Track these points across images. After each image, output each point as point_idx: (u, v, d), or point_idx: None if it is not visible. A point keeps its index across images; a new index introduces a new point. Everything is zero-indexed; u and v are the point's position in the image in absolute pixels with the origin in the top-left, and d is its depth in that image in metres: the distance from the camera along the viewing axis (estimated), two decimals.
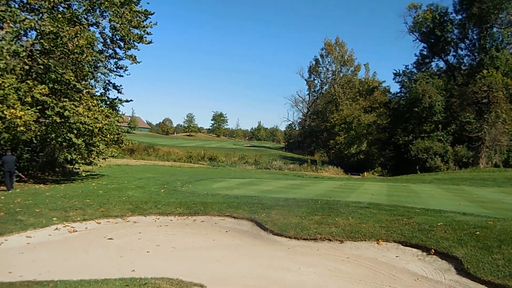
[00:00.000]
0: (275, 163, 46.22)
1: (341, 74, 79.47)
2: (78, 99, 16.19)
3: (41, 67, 15.59)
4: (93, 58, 17.35)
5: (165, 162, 40.50)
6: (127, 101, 20.89)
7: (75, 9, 17.04)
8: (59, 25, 15.05)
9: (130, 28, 18.65)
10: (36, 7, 15.95)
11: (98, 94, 19.30)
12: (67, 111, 15.08)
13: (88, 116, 15.61)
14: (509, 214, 9.89)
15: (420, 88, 44.96)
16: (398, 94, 56.09)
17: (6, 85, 13.41)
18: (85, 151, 16.90)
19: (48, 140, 16.86)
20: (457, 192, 16.87)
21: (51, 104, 14.93)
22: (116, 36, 18.99)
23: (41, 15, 15.64)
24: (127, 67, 20.23)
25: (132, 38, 18.95)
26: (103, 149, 17.46)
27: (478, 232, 7.44)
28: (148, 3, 25.71)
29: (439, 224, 8.23)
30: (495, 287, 5.52)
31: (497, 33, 46.68)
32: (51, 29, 14.91)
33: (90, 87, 18.44)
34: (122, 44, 19.26)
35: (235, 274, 6.24)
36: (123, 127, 20.58)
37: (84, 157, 17.35)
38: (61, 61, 16.14)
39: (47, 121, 15.48)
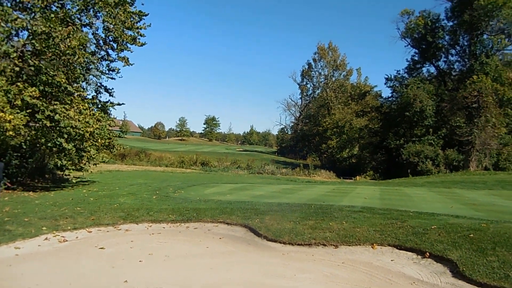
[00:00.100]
0: (267, 167, 46.18)
1: (334, 79, 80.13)
2: (69, 102, 15.88)
3: (32, 68, 15.26)
4: (85, 59, 17.06)
5: (157, 168, 40.17)
6: (119, 104, 20.57)
7: (69, 9, 16.77)
8: (52, 25, 14.75)
9: (124, 29, 18.42)
10: (28, 6, 15.62)
11: (89, 97, 19.00)
12: (57, 115, 14.76)
13: (79, 120, 15.30)
14: (501, 216, 9.98)
15: (411, 93, 45.49)
16: (389, 99, 56.68)
17: None
18: (76, 157, 16.60)
19: (38, 145, 16.53)
20: (448, 195, 16.99)
21: (42, 108, 14.61)
22: (109, 37, 18.69)
23: (33, 14, 15.32)
24: (119, 69, 19.95)
25: (125, 39, 18.72)
26: (94, 155, 17.15)
27: (472, 235, 7.46)
28: (142, 4, 25.43)
29: (433, 227, 8.24)
30: None
31: (487, 39, 47.66)
32: (44, 29, 14.59)
33: (82, 89, 18.16)
34: (115, 45, 18.99)
35: (229, 281, 6.15)
36: (115, 132, 20.28)
37: (75, 163, 17.03)
38: (53, 62, 15.83)
39: (37, 125, 15.18)
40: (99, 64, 19.33)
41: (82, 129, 15.31)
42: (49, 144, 15.62)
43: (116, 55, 19.31)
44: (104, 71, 19.67)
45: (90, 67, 18.79)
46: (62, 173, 19.28)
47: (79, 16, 17.46)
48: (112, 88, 20.24)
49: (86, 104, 16.99)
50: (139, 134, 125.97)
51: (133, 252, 7.63)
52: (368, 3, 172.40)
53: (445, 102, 45.14)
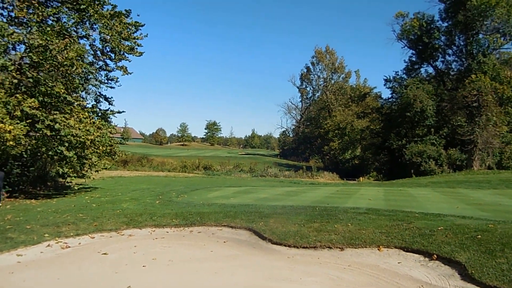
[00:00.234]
0: (270, 170, 46.09)
1: (333, 81, 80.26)
2: (69, 112, 15.95)
3: (31, 80, 15.36)
4: (84, 70, 17.14)
5: (160, 173, 40.13)
6: (119, 112, 20.63)
7: (65, 22, 16.86)
8: (48, 38, 14.87)
9: (121, 40, 18.51)
10: (24, 20, 15.76)
11: (89, 106, 19.06)
12: (57, 124, 14.83)
13: (79, 128, 15.36)
14: (508, 216, 9.85)
15: (411, 93, 45.40)
16: (389, 100, 56.59)
17: None
18: (77, 164, 16.59)
19: (39, 154, 16.55)
20: (453, 195, 16.86)
21: (41, 117, 14.67)
22: (107, 47, 18.82)
23: (29, 28, 15.44)
24: (118, 78, 20.01)
25: (123, 49, 18.81)
26: (95, 162, 17.16)
27: (479, 236, 7.35)
28: (138, 15, 25.67)
29: (439, 228, 8.13)
30: None
31: (483, 39, 47.66)
32: (40, 42, 14.71)
33: (81, 99, 18.21)
34: (112, 55, 19.09)
35: (234, 286, 6.06)
36: (116, 139, 20.31)
37: (77, 170, 17.02)
38: (51, 74, 15.91)
39: (38, 134, 15.21)
40: (97, 74, 19.40)
41: (82, 137, 15.34)
42: (50, 153, 15.63)
43: (114, 65, 19.39)
44: (103, 81, 19.74)
45: (89, 77, 18.83)
46: (64, 180, 19.25)
47: (75, 29, 17.56)
48: (111, 97, 20.33)
49: (86, 113, 17.03)
50: (140, 141, 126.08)
51: (136, 257, 7.55)
52: (364, 5, 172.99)
53: (445, 101, 45.03)
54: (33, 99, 14.72)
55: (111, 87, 20.07)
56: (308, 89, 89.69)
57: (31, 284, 6.04)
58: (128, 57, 19.28)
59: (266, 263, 7.30)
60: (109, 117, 20.13)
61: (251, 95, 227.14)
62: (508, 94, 42.61)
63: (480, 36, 47.78)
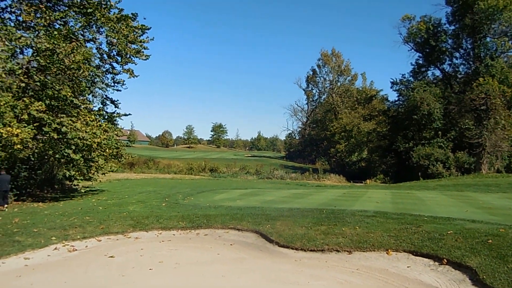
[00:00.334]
0: (276, 172, 46.02)
1: (339, 84, 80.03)
2: (76, 115, 16.04)
3: (38, 84, 15.49)
4: (90, 73, 17.27)
5: (166, 175, 40.20)
6: (125, 115, 20.77)
7: (71, 26, 17.00)
8: (55, 42, 15.01)
9: (127, 43, 18.62)
10: (32, 24, 15.92)
11: (96, 109, 19.17)
12: (64, 127, 14.92)
13: (86, 131, 15.44)
14: None
15: (417, 96, 45.08)
16: (396, 102, 56.22)
17: (2, 103, 13.28)
18: (84, 167, 16.66)
19: (46, 157, 16.65)
20: (462, 198, 16.64)
21: (48, 121, 14.77)
22: (113, 51, 18.96)
23: (37, 32, 15.59)
24: (124, 81, 20.14)
25: (129, 52, 18.92)
26: (102, 164, 17.22)
27: (490, 241, 7.21)
28: (144, 18, 25.82)
29: (449, 232, 8.00)
30: None
31: (491, 42, 47.24)
32: (47, 46, 14.85)
33: (88, 102, 18.33)
34: (119, 58, 19.21)
35: None
36: (123, 141, 20.40)
37: (83, 173, 17.10)
38: (58, 77, 16.05)
39: (45, 137, 15.31)
40: (104, 77, 19.54)
41: (89, 140, 15.42)
42: (57, 156, 15.73)
43: (121, 68, 19.51)
44: (109, 84, 19.89)
45: (96, 80, 18.97)
46: (71, 183, 19.35)
47: (82, 32, 17.72)
48: (117, 100, 20.45)
49: (93, 116, 17.13)
50: (147, 143, 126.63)
51: (143, 260, 7.53)
52: (371, 8, 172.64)
53: (453, 104, 44.66)
54: (40, 102, 14.83)
55: (118, 90, 20.21)
56: (314, 91, 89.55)
57: (38, 287, 6.03)
58: (134, 60, 19.41)
59: (273, 266, 7.23)
60: (115, 120, 20.25)
61: (257, 98, 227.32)
62: None
63: (488, 39, 47.40)
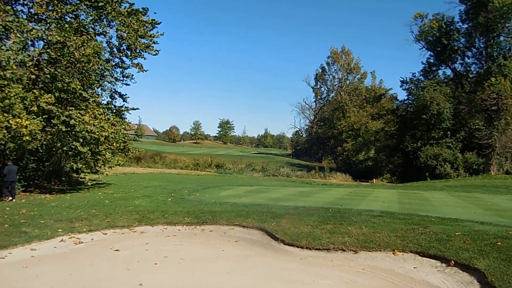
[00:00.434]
0: (282, 170, 45.91)
1: (348, 82, 79.63)
2: (84, 108, 16.14)
3: (48, 76, 15.59)
4: (100, 67, 17.34)
5: (172, 170, 40.37)
6: (133, 109, 20.88)
7: (82, 19, 17.07)
8: (66, 35, 15.08)
9: (137, 37, 18.66)
10: (43, 17, 16.01)
11: (104, 102, 19.26)
12: (73, 120, 15.02)
13: (94, 125, 15.52)
14: None
15: (427, 95, 44.54)
16: (405, 101, 55.60)
17: (12, 95, 13.37)
18: (91, 160, 16.78)
19: (54, 149, 16.78)
20: (470, 199, 16.45)
21: (57, 113, 14.87)
22: (123, 45, 19.02)
23: (48, 25, 15.67)
24: (133, 75, 20.20)
25: (139, 47, 18.96)
26: (109, 158, 17.33)
27: (499, 243, 7.09)
28: (155, 13, 25.78)
29: (457, 233, 7.89)
30: None
31: (504, 41, 46.41)
32: (58, 38, 14.93)
33: (97, 95, 18.43)
34: (128, 53, 19.27)
35: (245, 286, 5.98)
36: (130, 135, 20.50)
37: (90, 166, 17.22)
38: (68, 70, 16.15)
39: (53, 130, 15.42)
40: (113, 71, 19.61)
41: (97, 133, 15.50)
42: (64, 148, 15.84)
43: (130, 62, 19.58)
44: (118, 78, 19.95)
45: (105, 73, 19.05)
46: (78, 176, 19.51)
47: (93, 26, 17.78)
48: (126, 94, 20.54)
49: (101, 109, 17.22)
50: (154, 138, 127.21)
51: (148, 255, 7.54)
52: (380, 6, 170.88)
53: (463, 104, 44.10)
54: (49, 94, 14.93)
55: (127, 84, 20.28)
56: (322, 89, 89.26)
57: (44, 279, 6.06)
58: (143, 55, 19.45)
59: (278, 264, 7.19)
60: (123, 114, 20.34)
61: (264, 95, 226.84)
62: None
63: (501, 38, 46.59)
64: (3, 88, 13.44)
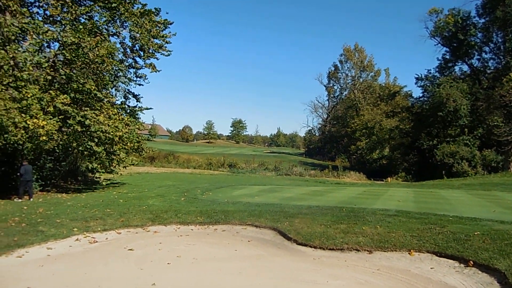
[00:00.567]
0: (295, 169, 45.68)
1: (361, 80, 78.74)
2: (99, 108, 16.35)
3: (64, 77, 15.84)
4: (114, 67, 17.54)
5: (185, 169, 40.63)
6: (147, 108, 21.06)
7: (96, 20, 17.28)
8: (81, 36, 15.29)
9: (150, 38, 18.81)
10: (58, 19, 16.26)
11: (118, 102, 19.47)
12: (88, 120, 15.22)
13: (108, 125, 15.71)
14: None
15: (444, 92, 43.66)
16: (420, 99, 54.69)
17: (29, 95, 13.61)
18: (106, 160, 16.98)
19: (70, 149, 17.04)
20: (489, 198, 16.02)
21: (73, 113, 15.10)
22: (136, 45, 19.19)
23: (63, 26, 15.92)
24: (146, 76, 20.38)
25: (152, 47, 19.11)
26: (123, 158, 17.51)
27: None
28: (167, 13, 25.84)
29: (476, 233, 7.68)
30: None
31: None
32: (73, 40, 15.14)
33: (111, 96, 18.64)
34: (142, 53, 19.44)
35: (258, 287, 5.93)
36: (144, 135, 20.70)
37: (105, 166, 17.43)
38: (83, 71, 16.37)
39: (69, 130, 15.66)
40: (127, 71, 19.80)
41: (111, 133, 15.68)
42: (80, 148, 16.06)
43: (143, 62, 19.75)
44: (132, 78, 20.15)
45: (119, 74, 19.25)
46: (93, 175, 19.78)
47: (106, 27, 17.99)
48: (139, 94, 20.75)
49: (115, 110, 17.41)
50: (167, 137, 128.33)
51: (161, 254, 7.56)
52: (392, 3, 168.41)
53: (481, 101, 43.09)
54: (65, 95, 15.15)
55: (140, 84, 20.48)
56: (335, 87, 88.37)
57: (59, 277, 6.14)
58: (156, 55, 19.58)
59: (291, 264, 7.12)
60: (137, 114, 20.53)
61: (277, 94, 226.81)
62: None
63: None
64: (20, 89, 13.71)
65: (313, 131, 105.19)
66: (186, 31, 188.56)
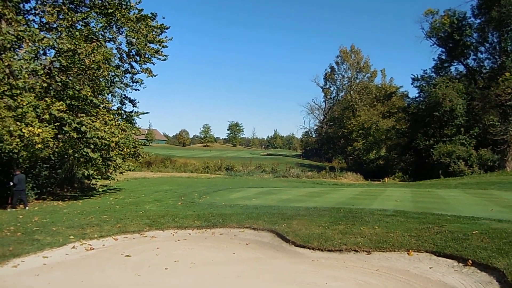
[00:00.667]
0: (292, 171, 45.73)
1: (357, 81, 79.08)
2: (95, 114, 16.28)
3: (59, 84, 15.77)
4: (110, 73, 17.50)
5: (182, 174, 40.54)
6: (143, 113, 20.99)
7: (93, 26, 17.25)
8: (77, 42, 15.24)
9: (146, 43, 18.78)
10: (54, 26, 16.22)
11: (114, 108, 19.43)
12: (84, 126, 15.15)
13: (104, 131, 15.64)
14: None
15: (440, 92, 43.90)
16: (417, 99, 54.94)
17: (24, 103, 13.54)
18: (102, 166, 16.90)
19: (66, 156, 16.96)
20: (486, 197, 16.05)
21: (69, 120, 15.02)
22: (133, 51, 19.16)
23: (59, 33, 15.86)
24: (142, 80, 20.34)
25: (148, 52, 19.08)
26: (120, 163, 17.44)
27: None
28: (163, 18, 25.95)
29: (474, 232, 7.67)
30: None
31: None
32: (69, 46, 15.09)
33: (107, 101, 18.58)
34: (138, 58, 19.40)
35: None
36: (140, 140, 20.62)
37: (101, 172, 17.35)
38: (79, 77, 16.32)
39: (65, 137, 15.57)
40: (123, 77, 19.76)
41: (107, 139, 15.61)
42: (76, 155, 15.99)
43: (140, 67, 19.68)
44: (128, 83, 20.11)
45: (115, 80, 19.20)
46: (89, 182, 19.67)
47: (102, 33, 17.95)
48: (135, 99, 20.69)
49: (111, 115, 17.36)
50: (164, 142, 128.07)
51: (158, 260, 7.50)
52: (389, 5, 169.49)
53: (477, 100, 43.32)
54: (61, 102, 15.08)
55: (136, 90, 20.44)
56: (332, 89, 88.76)
57: (55, 286, 6.07)
58: (153, 60, 19.55)
59: (290, 266, 7.08)
60: (133, 119, 20.47)
61: (273, 96, 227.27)
62: None
63: None
64: (15, 97, 13.63)
65: (310, 132, 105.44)
66: (181, 33, 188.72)
